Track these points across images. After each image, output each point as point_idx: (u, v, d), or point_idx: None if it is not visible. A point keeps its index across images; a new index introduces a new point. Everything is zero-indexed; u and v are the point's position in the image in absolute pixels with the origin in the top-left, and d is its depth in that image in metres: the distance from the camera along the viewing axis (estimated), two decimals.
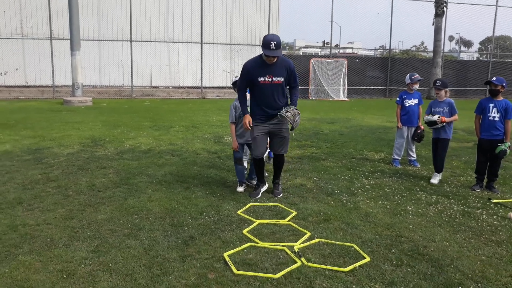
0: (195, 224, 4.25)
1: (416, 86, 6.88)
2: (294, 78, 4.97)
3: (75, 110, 13.71)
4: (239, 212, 4.63)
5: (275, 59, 4.75)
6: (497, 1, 23.69)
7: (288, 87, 5.04)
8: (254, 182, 5.49)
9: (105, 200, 4.91)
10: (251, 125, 4.89)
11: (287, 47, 59.97)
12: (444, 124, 5.85)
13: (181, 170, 6.30)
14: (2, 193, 5.08)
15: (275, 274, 3.28)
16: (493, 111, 5.57)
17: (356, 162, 7.11)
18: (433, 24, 22.19)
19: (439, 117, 5.81)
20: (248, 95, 5.06)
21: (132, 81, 19.30)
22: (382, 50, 34.86)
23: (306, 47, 61.70)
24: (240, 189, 5.39)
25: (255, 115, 4.95)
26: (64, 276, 3.21)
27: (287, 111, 4.84)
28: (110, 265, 3.39)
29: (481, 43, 65.61)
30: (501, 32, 60.68)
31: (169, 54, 20.84)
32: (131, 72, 19.22)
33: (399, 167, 6.87)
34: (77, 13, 15.85)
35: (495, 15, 23.85)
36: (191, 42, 20.60)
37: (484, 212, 4.85)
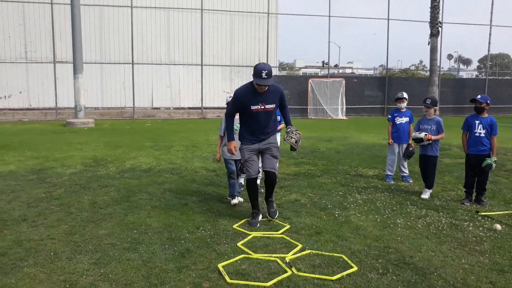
0: (191, 238, 4.44)
1: (403, 105, 7.13)
2: (285, 101, 5.09)
3: (77, 131, 14.01)
4: (234, 226, 4.82)
5: (266, 88, 4.76)
6: (491, 21, 24.23)
7: (279, 109, 5.14)
8: (235, 200, 5.67)
9: (106, 217, 5.12)
10: (237, 150, 5.01)
11: (287, 68, 60.72)
12: (430, 141, 6.07)
13: (180, 188, 6.51)
14: (8, 211, 5.29)
15: (266, 282, 3.46)
16: (479, 127, 5.81)
17: (351, 179, 7.32)
18: (428, 44, 22.63)
19: (425, 134, 6.04)
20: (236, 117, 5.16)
21: (133, 102, 19.70)
22: (381, 69, 35.40)
23: (306, 67, 62.45)
24: (235, 201, 5.62)
25: (244, 138, 5.00)
26: (67, 286, 3.40)
27: (291, 137, 4.99)
28: (110, 275, 3.58)
29: (480, 61, 66.45)
30: (499, 50, 61.52)
31: (170, 76, 21.29)
32: (133, 94, 19.64)
33: (392, 182, 7.07)
34: (80, 37, 16.32)
35: (490, 34, 24.37)
36: (192, 64, 21.07)
37: (471, 224, 5.04)
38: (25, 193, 6.13)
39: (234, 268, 3.74)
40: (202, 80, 20.82)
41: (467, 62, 77.27)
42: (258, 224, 4.93)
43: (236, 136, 5.27)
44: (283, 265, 3.79)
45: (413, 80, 26.74)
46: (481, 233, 4.72)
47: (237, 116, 5.20)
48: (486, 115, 5.87)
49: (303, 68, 60.90)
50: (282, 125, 6.91)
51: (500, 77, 37.73)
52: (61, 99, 18.73)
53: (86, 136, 12.66)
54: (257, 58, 21.89)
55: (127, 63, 19.76)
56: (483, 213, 5.45)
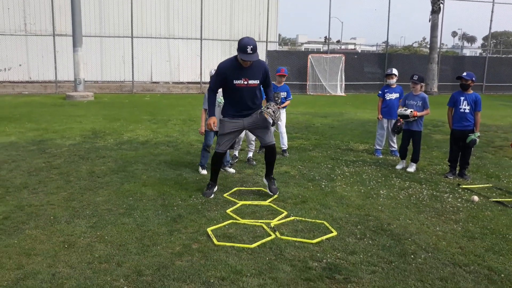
0: (184, 205, 4.70)
1: (392, 81, 7.29)
2: (269, 79, 5.04)
3: (77, 104, 14.19)
4: (225, 195, 5.08)
5: (251, 63, 4.69)
6: None
7: (262, 87, 5.11)
8: (204, 171, 5.99)
9: (103, 185, 5.37)
10: (216, 126, 4.93)
11: (289, 43, 60.23)
12: (416, 118, 6.26)
13: (175, 159, 6.75)
14: (10, 179, 5.54)
15: (251, 244, 3.73)
16: (464, 103, 5.99)
17: (341, 152, 7.55)
18: (429, 21, 22.52)
19: (411, 111, 6.23)
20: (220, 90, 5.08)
21: (133, 76, 19.76)
22: (384, 46, 35.22)
23: (309, 42, 61.94)
24: (204, 171, 5.97)
25: (227, 113, 4.95)
26: (66, 246, 3.67)
27: (268, 108, 4.91)
28: (106, 237, 3.84)
29: (484, 38, 65.72)
30: (504, 28, 60.75)
31: (169, 50, 21.28)
32: (132, 67, 19.68)
33: (380, 156, 7.31)
34: (79, 10, 16.30)
35: (492, 12, 24.17)
36: (191, 39, 21.03)
37: (450, 196, 5.28)
38: (25, 162, 6.37)
39: (222, 232, 4.00)
40: (201, 54, 20.82)
41: (471, 39, 76.49)
42: (212, 195, 5.02)
43: (219, 109, 5.26)
44: (268, 230, 4.05)
45: (413, 57, 26.69)
46: (458, 204, 4.98)
47: (220, 90, 5.09)
48: (471, 91, 6.05)
49: (306, 43, 60.42)
50: (287, 102, 7.13)
51: (504, 56, 37.45)
52: (60, 72, 18.80)
53: (85, 109, 12.85)
54: (257, 33, 21.81)
55: (126, 37, 19.73)
56: (464, 186, 5.69)
